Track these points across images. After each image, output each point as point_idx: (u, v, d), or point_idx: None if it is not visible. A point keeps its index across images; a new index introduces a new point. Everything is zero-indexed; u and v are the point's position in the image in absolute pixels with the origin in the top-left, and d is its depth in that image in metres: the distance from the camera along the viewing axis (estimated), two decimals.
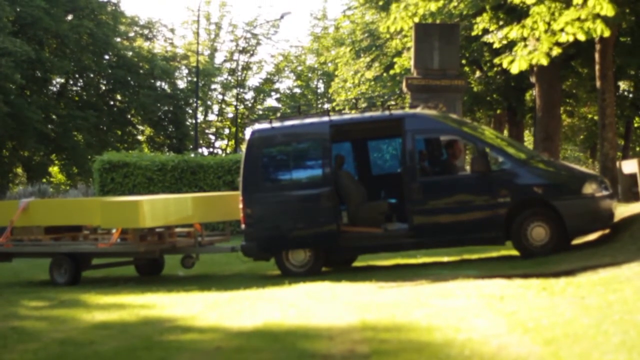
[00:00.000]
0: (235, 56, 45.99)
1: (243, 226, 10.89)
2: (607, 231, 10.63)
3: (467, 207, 10.44)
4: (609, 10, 10.26)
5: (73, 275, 11.39)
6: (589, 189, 10.14)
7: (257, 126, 11.36)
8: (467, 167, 12.64)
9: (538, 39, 11.59)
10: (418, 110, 11.40)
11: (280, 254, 10.77)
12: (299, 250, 10.75)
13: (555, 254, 9.76)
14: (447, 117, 11.77)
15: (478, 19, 18.02)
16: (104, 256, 11.96)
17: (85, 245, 11.81)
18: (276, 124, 11.24)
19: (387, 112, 11.12)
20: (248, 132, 11.25)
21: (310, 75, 48.86)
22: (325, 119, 11.12)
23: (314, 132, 11.10)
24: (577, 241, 10.74)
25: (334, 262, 11.52)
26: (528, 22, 11.79)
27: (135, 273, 12.47)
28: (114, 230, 11.65)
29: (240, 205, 10.84)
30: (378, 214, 11.35)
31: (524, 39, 12.27)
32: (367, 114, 11.66)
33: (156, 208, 11.10)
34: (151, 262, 12.26)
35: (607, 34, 10.99)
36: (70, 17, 35.84)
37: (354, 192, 11.46)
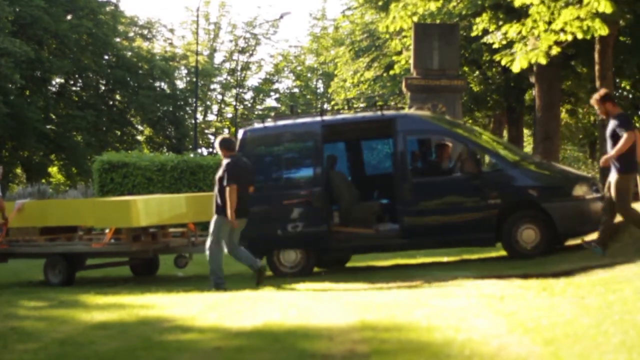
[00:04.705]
0: (235, 56, 46.00)
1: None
2: None
3: (458, 208, 10.46)
4: (607, 7, 10.27)
5: (67, 275, 11.40)
6: (580, 191, 10.14)
7: (250, 126, 11.39)
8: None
9: (537, 38, 11.61)
10: (410, 110, 11.41)
11: (272, 254, 10.78)
12: (290, 251, 10.76)
13: (554, 255, 9.78)
14: (439, 118, 11.80)
15: (477, 19, 18.02)
16: (98, 256, 11.97)
17: (79, 245, 11.81)
18: (269, 124, 11.26)
19: (379, 113, 11.12)
20: (240, 132, 11.27)
21: (309, 75, 48.85)
22: (318, 119, 11.13)
23: (306, 132, 11.12)
24: (576, 242, 10.75)
25: (327, 262, 11.53)
26: (528, 21, 11.79)
27: (131, 273, 12.48)
28: (107, 230, 11.67)
29: None
30: (370, 214, 11.36)
31: (523, 38, 12.28)
32: (360, 114, 11.69)
33: (149, 207, 11.12)
34: (146, 262, 12.26)
35: (605, 32, 11.01)
36: (69, 17, 35.80)
37: (346, 193, 11.47)
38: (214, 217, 9.56)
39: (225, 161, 9.58)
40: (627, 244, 9.40)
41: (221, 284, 9.38)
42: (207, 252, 9.57)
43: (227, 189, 9.34)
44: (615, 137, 8.88)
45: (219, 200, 9.49)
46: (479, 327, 4.97)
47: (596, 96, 9.21)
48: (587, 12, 10.60)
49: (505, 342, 4.46)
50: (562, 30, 10.97)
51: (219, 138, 9.98)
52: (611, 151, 8.87)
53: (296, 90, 48.40)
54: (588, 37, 11.27)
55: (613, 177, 8.92)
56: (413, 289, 7.71)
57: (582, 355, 4.02)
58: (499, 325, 5.00)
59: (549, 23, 11.38)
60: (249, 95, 47.29)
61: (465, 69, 23.24)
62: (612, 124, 8.98)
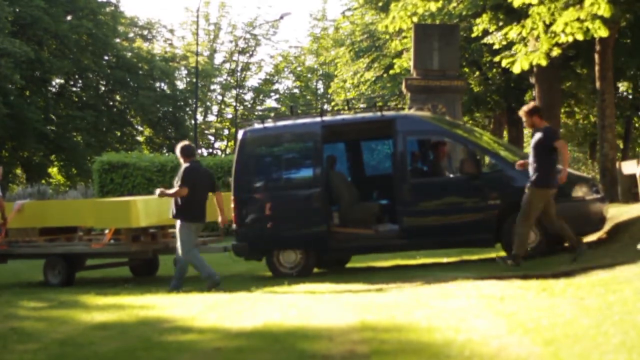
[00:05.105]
0: (235, 57, 45.98)
1: (234, 226, 10.91)
2: (603, 234, 10.61)
3: (458, 208, 10.44)
4: (605, 11, 10.28)
5: (67, 276, 11.40)
6: (579, 192, 10.12)
7: (249, 126, 11.39)
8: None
9: (537, 39, 11.61)
10: (410, 111, 11.41)
11: (271, 254, 10.78)
12: (289, 251, 10.75)
13: (554, 255, 9.77)
14: (439, 119, 11.78)
15: (478, 20, 18.03)
16: (97, 257, 11.97)
17: (79, 246, 11.81)
18: (268, 125, 11.26)
19: (378, 113, 11.11)
20: (240, 133, 11.28)
21: (309, 75, 48.83)
22: (317, 119, 11.13)
23: (306, 132, 11.12)
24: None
25: (327, 263, 11.52)
26: (528, 22, 11.80)
27: (131, 274, 12.48)
28: (106, 231, 11.68)
29: (232, 205, 10.84)
30: (369, 215, 11.35)
31: (523, 39, 12.29)
32: (359, 115, 11.69)
33: (149, 208, 11.12)
34: (146, 262, 12.25)
35: (605, 34, 11.02)
36: (69, 18, 35.80)
37: (346, 193, 11.46)
38: (177, 224, 9.78)
39: (183, 166, 9.83)
40: (627, 244, 9.40)
41: (215, 280, 9.51)
42: (188, 260, 9.77)
43: (177, 188, 9.64)
44: (539, 149, 9.08)
45: (178, 204, 9.71)
46: (479, 328, 4.96)
47: (525, 108, 9.41)
48: (587, 13, 10.61)
49: (505, 343, 4.46)
50: (563, 31, 10.97)
51: (179, 145, 10.26)
52: (560, 166, 9.14)
53: (296, 90, 48.38)
54: (589, 38, 11.29)
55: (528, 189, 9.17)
56: (413, 290, 7.70)
57: (582, 356, 4.02)
58: (499, 326, 5.00)
59: (549, 25, 11.39)
60: (249, 96, 47.30)
61: (466, 69, 23.24)
62: (537, 136, 9.19)
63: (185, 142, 10.34)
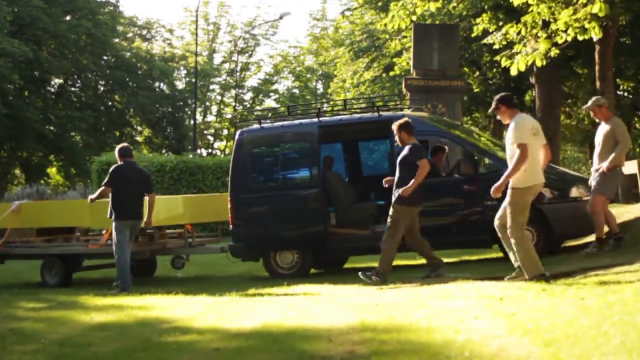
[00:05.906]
0: (234, 57, 45.98)
1: (231, 227, 10.90)
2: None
3: (455, 210, 10.40)
4: (601, 10, 10.28)
5: (64, 276, 11.39)
6: (576, 192, 10.10)
7: (246, 127, 11.39)
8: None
9: (537, 39, 11.62)
10: (407, 112, 11.39)
11: (268, 255, 10.76)
12: (286, 252, 10.74)
13: (554, 256, 9.76)
14: (437, 119, 11.74)
15: (477, 20, 18.03)
16: (95, 257, 11.95)
17: (76, 246, 11.79)
18: (265, 125, 11.24)
19: (375, 114, 11.10)
20: (237, 133, 11.26)
21: (309, 76, 48.81)
22: (314, 120, 11.12)
23: (303, 133, 11.10)
24: (576, 242, 10.74)
25: (325, 263, 11.50)
26: (528, 19, 11.78)
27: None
28: (104, 231, 11.67)
29: (229, 206, 10.83)
30: (366, 215, 11.33)
31: (523, 39, 12.28)
32: (356, 115, 11.68)
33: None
34: (144, 263, 12.25)
35: (598, 35, 11.03)
36: (68, 17, 35.77)
37: (343, 194, 11.45)
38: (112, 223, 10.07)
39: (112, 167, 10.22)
40: (627, 245, 9.39)
41: (127, 288, 9.72)
42: (117, 258, 10.00)
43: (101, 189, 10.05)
44: (404, 166, 8.91)
45: (111, 203, 10.00)
46: (479, 328, 4.96)
47: (395, 123, 9.20)
48: (584, 13, 10.61)
49: (505, 343, 4.45)
50: (564, 31, 10.97)
51: (118, 146, 10.57)
52: (410, 181, 8.80)
53: (296, 91, 48.36)
54: (588, 37, 11.28)
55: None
56: (413, 290, 7.70)
57: (582, 357, 4.01)
58: (499, 327, 4.99)
59: (548, 24, 11.38)
60: (248, 96, 47.30)
61: (466, 69, 23.24)
62: (404, 151, 9.00)
63: (123, 144, 10.66)
